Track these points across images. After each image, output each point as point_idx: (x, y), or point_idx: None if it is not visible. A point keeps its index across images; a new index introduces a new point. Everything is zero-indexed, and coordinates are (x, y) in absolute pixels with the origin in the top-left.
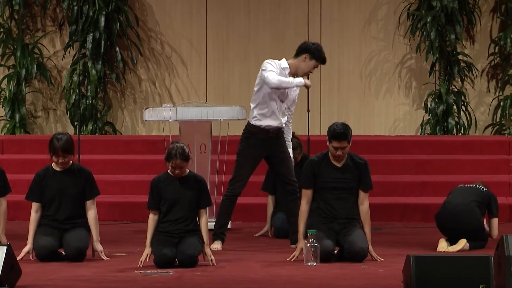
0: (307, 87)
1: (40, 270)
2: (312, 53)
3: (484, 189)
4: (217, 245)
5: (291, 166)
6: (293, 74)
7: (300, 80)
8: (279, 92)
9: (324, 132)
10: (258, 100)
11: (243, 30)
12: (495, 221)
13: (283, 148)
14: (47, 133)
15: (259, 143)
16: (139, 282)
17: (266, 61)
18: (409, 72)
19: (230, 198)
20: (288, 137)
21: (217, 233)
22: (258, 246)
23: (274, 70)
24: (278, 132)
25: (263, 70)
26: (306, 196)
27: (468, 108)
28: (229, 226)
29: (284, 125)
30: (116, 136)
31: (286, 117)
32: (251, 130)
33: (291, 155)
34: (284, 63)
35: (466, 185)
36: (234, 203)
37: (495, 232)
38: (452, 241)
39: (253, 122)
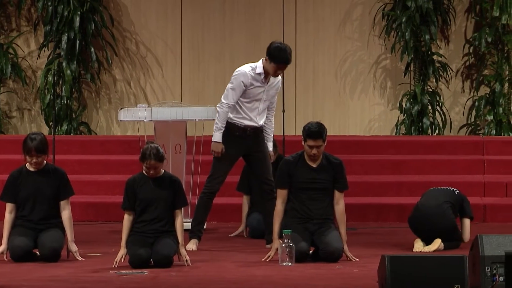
0: (212, 150)
1: (14, 270)
2: (269, 55)
3: (457, 191)
4: (192, 245)
5: (268, 165)
6: (267, 75)
7: (214, 137)
8: (252, 93)
9: (299, 132)
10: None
11: (218, 31)
12: (467, 222)
13: (260, 148)
14: (21, 133)
15: (236, 140)
16: (114, 283)
17: (239, 71)
18: (384, 72)
19: (207, 195)
20: (269, 131)
21: (194, 230)
22: (233, 246)
23: (236, 91)
24: (256, 130)
25: (230, 83)
26: (281, 196)
27: (443, 108)
28: (204, 226)
29: (262, 124)
30: (91, 136)
31: (265, 116)
32: (228, 128)
33: (271, 151)
34: (259, 67)
35: (438, 187)
36: (211, 200)
37: (467, 235)
38: (427, 242)
39: (231, 120)
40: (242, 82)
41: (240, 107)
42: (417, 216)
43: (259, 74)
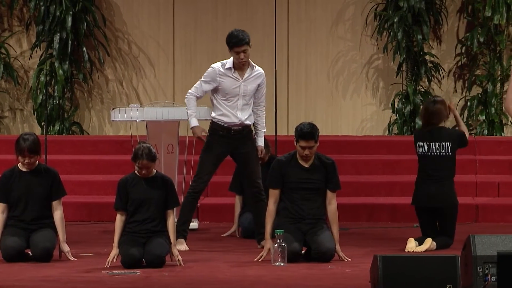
0: (197, 137)
1: (7, 270)
2: (227, 45)
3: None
4: (182, 246)
5: (254, 167)
6: (238, 69)
7: (190, 124)
8: (225, 89)
9: (292, 132)
10: (217, 99)
11: (211, 31)
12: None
13: (246, 149)
14: (14, 134)
15: (221, 140)
16: (106, 283)
17: (210, 67)
18: (376, 72)
19: (192, 195)
20: (258, 126)
21: (179, 230)
22: (225, 246)
23: (202, 84)
24: (242, 130)
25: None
26: (273, 196)
27: None
28: (196, 226)
29: (247, 121)
30: (83, 136)
31: (248, 112)
32: (213, 127)
33: (261, 146)
34: (229, 62)
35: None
36: (196, 200)
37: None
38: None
39: (214, 119)
40: (210, 76)
41: (220, 104)
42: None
43: (229, 69)
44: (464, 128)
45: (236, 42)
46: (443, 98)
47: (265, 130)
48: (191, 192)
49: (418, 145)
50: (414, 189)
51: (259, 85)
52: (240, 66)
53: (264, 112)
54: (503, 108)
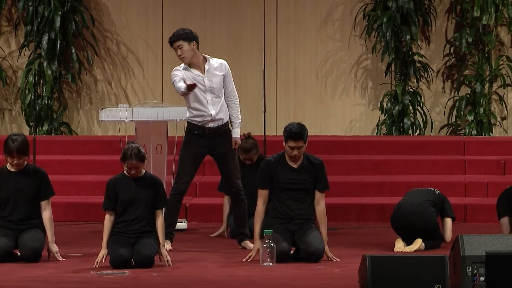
0: (188, 91)
1: None
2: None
3: (437, 191)
4: (166, 245)
5: (231, 167)
6: (193, 66)
7: (180, 90)
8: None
9: (280, 132)
10: (187, 98)
11: (199, 31)
12: (448, 221)
13: (222, 149)
14: (2, 134)
15: (196, 139)
16: (95, 283)
17: (174, 71)
18: (365, 72)
19: (175, 197)
20: (232, 118)
21: (165, 233)
22: (214, 246)
23: (178, 77)
24: (217, 130)
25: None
26: (262, 196)
27: (424, 108)
28: (185, 226)
29: (219, 115)
30: (72, 137)
31: (220, 107)
32: (188, 127)
33: (238, 137)
34: (182, 64)
35: (419, 188)
36: (179, 201)
37: (448, 234)
38: (408, 241)
39: (189, 119)
40: (179, 75)
41: (192, 103)
42: (399, 215)
43: (186, 68)
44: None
45: (170, 39)
46: None
47: (240, 121)
48: (173, 194)
49: None
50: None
51: (224, 76)
52: (192, 64)
53: (237, 103)
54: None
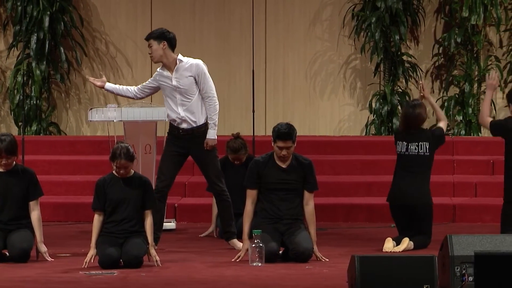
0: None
1: None
2: None
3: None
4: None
5: (210, 169)
6: (167, 67)
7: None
8: (165, 86)
9: (269, 132)
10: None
11: (188, 31)
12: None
13: (198, 151)
14: None
15: (173, 139)
16: (83, 283)
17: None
18: (354, 72)
19: (157, 198)
20: (208, 117)
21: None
22: (203, 246)
23: (148, 82)
24: (191, 131)
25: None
26: (251, 196)
27: None
28: (174, 226)
29: (187, 118)
30: (60, 137)
31: (190, 109)
32: (169, 127)
33: (211, 139)
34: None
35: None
36: (162, 202)
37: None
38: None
39: (169, 120)
40: (153, 77)
41: (167, 104)
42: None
43: (162, 68)
44: (441, 114)
45: (145, 37)
46: (421, 101)
47: (214, 122)
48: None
49: (398, 144)
50: (390, 187)
51: (195, 77)
52: (163, 64)
53: (212, 103)
54: (479, 121)
